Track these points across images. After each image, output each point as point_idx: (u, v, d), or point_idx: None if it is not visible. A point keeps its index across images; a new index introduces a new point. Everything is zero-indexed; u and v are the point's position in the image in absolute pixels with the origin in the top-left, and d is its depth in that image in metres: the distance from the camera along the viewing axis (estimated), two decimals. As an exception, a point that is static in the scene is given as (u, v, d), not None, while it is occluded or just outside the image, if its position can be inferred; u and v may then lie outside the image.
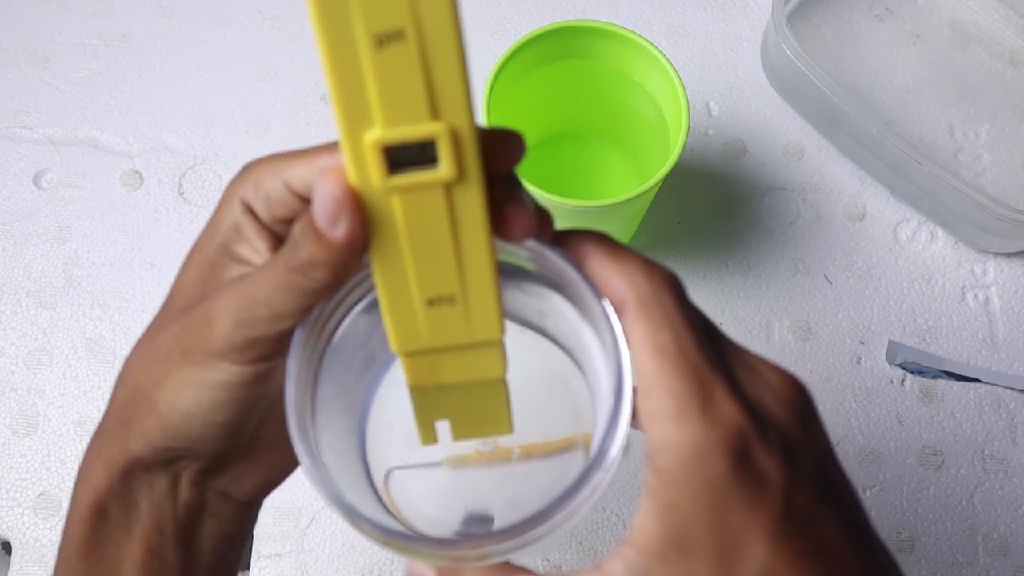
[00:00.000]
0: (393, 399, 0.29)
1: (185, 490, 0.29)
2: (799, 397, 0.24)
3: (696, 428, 0.22)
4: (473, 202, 0.22)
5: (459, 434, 0.28)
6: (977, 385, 0.52)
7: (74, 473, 0.30)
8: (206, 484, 0.29)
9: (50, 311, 0.52)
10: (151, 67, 0.58)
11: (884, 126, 0.51)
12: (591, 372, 0.28)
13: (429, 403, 0.27)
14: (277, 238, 0.27)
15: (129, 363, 0.28)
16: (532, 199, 0.24)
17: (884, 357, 0.52)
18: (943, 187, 0.50)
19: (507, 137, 0.23)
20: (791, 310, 0.53)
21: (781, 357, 0.52)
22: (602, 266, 0.24)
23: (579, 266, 0.25)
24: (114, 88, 0.57)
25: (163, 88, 0.57)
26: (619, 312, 0.24)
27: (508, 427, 0.28)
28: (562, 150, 0.54)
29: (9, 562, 0.48)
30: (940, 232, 0.55)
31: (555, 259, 0.25)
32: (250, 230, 0.27)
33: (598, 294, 0.24)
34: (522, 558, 0.26)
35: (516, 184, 0.24)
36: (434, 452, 0.30)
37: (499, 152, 0.23)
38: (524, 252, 0.26)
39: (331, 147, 0.25)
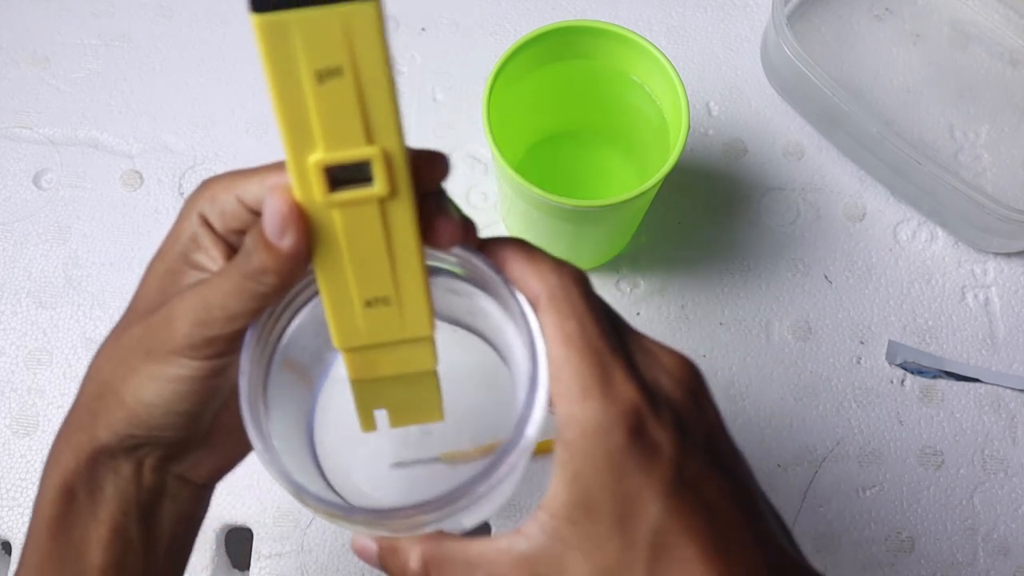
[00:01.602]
0: (338, 392, 0.32)
1: (147, 475, 0.31)
2: (691, 377, 0.27)
3: (597, 406, 0.25)
4: (404, 215, 0.25)
5: (396, 422, 0.31)
6: (977, 385, 0.52)
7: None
8: (167, 469, 0.32)
9: (50, 311, 0.52)
10: (151, 67, 0.58)
11: (884, 126, 0.51)
12: (514, 363, 0.31)
13: (368, 394, 0.30)
14: (231, 247, 0.30)
15: (96, 361, 0.31)
16: (458, 211, 0.28)
17: (884, 357, 0.52)
18: (943, 187, 0.50)
19: (434, 157, 0.26)
20: (791, 310, 0.53)
21: (781, 357, 0.52)
22: (519, 268, 0.27)
23: (499, 269, 0.28)
24: (114, 88, 0.57)
25: (163, 88, 0.57)
26: (534, 307, 0.27)
27: (439, 414, 0.31)
28: (562, 150, 0.54)
29: (9, 562, 0.48)
30: (940, 232, 0.55)
31: (479, 263, 0.28)
32: (207, 240, 0.30)
33: (515, 292, 0.27)
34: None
35: (443, 198, 0.27)
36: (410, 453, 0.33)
37: (427, 171, 0.26)
38: (452, 258, 0.29)
39: (279, 166, 0.27)
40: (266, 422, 0.29)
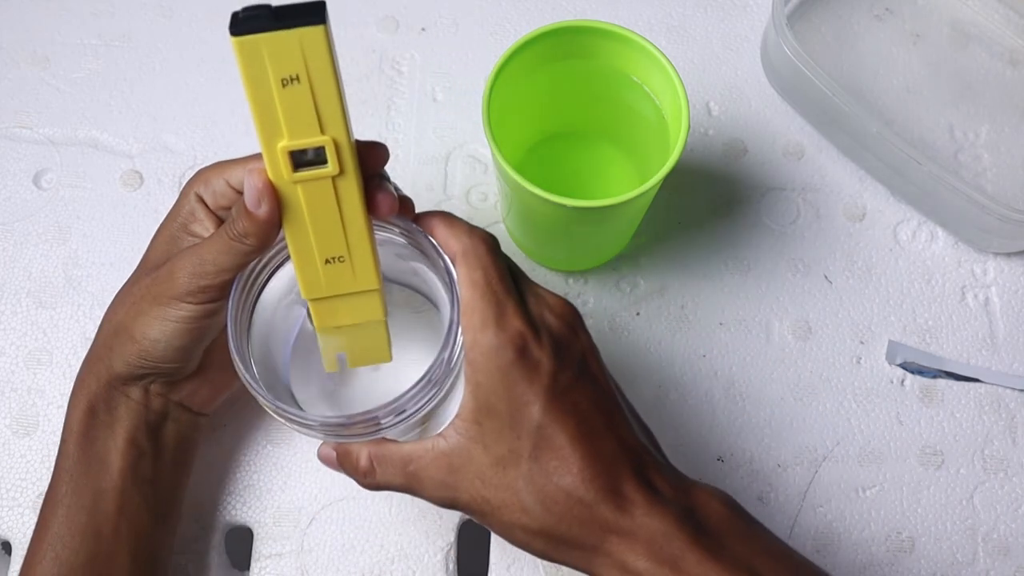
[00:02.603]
0: (306, 341, 0.41)
1: (153, 399, 0.40)
2: (570, 313, 0.36)
3: (492, 333, 0.33)
4: (351, 189, 0.32)
5: (353, 363, 0.38)
6: (977, 385, 0.52)
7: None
8: (168, 396, 0.41)
9: (50, 311, 0.52)
10: (151, 67, 0.58)
11: (884, 126, 0.51)
12: (443, 308, 0.39)
13: (330, 340, 0.37)
14: (220, 220, 0.39)
15: (112, 306, 0.40)
16: (398, 189, 0.35)
17: (884, 357, 0.52)
18: (943, 187, 0.50)
19: (376, 146, 0.34)
20: (791, 310, 0.53)
21: (781, 357, 0.52)
22: (442, 232, 0.35)
23: (428, 234, 0.36)
24: (114, 88, 0.57)
25: (163, 88, 0.57)
26: (453, 262, 0.35)
27: (388, 356, 0.38)
28: (562, 150, 0.54)
29: (9, 562, 0.48)
30: (940, 232, 0.55)
31: (413, 230, 0.36)
32: (201, 213, 0.39)
33: (440, 251, 0.35)
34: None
35: (384, 178, 0.35)
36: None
37: (370, 156, 0.33)
38: (395, 228, 0.37)
39: (256, 157, 0.35)
40: (248, 353, 0.36)
